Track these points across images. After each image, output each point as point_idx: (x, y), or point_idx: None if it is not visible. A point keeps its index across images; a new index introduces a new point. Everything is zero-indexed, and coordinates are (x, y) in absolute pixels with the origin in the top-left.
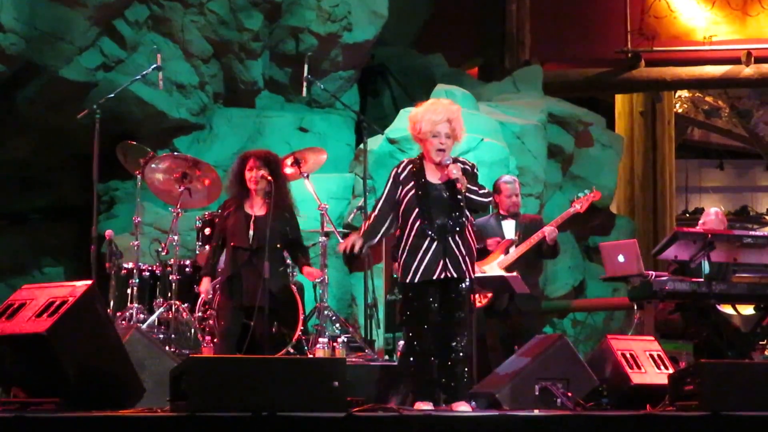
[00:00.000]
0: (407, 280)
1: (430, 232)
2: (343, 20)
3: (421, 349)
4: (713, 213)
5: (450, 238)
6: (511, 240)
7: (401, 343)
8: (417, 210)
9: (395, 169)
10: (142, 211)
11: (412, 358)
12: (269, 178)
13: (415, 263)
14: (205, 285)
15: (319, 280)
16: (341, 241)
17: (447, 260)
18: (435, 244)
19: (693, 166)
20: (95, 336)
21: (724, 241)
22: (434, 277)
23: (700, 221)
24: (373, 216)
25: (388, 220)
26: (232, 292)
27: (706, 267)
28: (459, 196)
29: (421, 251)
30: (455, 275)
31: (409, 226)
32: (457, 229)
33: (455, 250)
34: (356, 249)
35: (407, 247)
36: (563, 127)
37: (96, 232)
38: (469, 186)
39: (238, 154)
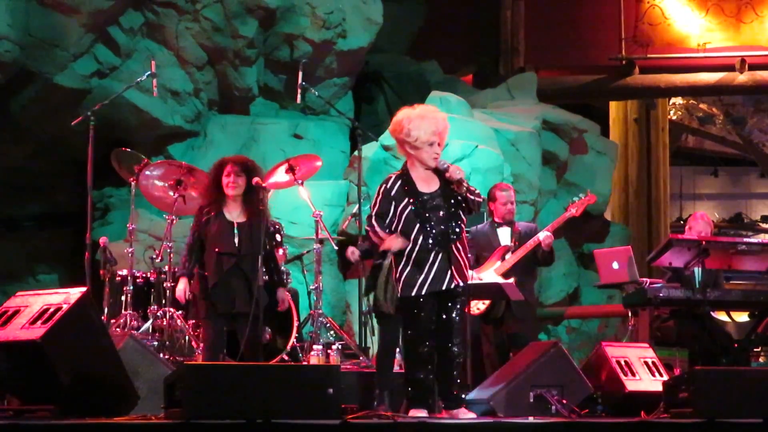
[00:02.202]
0: (412, 294)
1: (435, 243)
2: (337, 27)
3: (422, 357)
4: (699, 216)
5: (452, 246)
6: (507, 246)
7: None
8: (418, 225)
9: (384, 186)
10: (136, 218)
11: (412, 366)
12: (263, 184)
13: (422, 276)
14: (183, 285)
15: (313, 287)
16: (383, 239)
17: (453, 269)
18: (441, 255)
19: (687, 173)
20: (89, 343)
21: (718, 248)
22: (443, 288)
23: (687, 226)
24: (375, 224)
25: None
26: (217, 300)
27: (698, 275)
28: (458, 198)
29: (428, 264)
30: (461, 282)
31: (411, 242)
32: (457, 236)
33: (458, 257)
34: (402, 244)
35: (411, 262)
36: (557, 134)
37: (90, 239)
38: (468, 186)
39: None
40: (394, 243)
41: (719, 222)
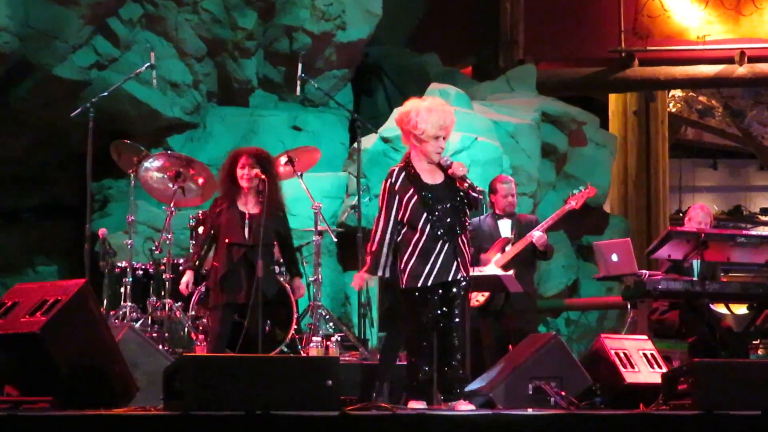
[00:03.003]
0: (418, 285)
1: (442, 234)
2: (337, 19)
3: (423, 349)
4: (698, 207)
5: (458, 238)
6: (507, 239)
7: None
8: (425, 215)
9: (388, 180)
10: (135, 210)
11: (412, 358)
12: (263, 176)
13: (428, 267)
14: (187, 278)
15: (312, 279)
16: (355, 276)
17: (459, 260)
18: (447, 246)
19: (686, 165)
20: (88, 335)
21: (717, 240)
22: (449, 279)
23: (686, 218)
24: (376, 246)
25: (391, 243)
26: (226, 290)
27: (696, 267)
28: (461, 194)
29: (434, 255)
30: (465, 274)
31: (418, 232)
32: (462, 228)
33: (463, 249)
34: (371, 285)
35: (417, 252)
36: (557, 127)
37: (89, 231)
38: (470, 183)
39: None
40: (360, 282)
41: (718, 214)
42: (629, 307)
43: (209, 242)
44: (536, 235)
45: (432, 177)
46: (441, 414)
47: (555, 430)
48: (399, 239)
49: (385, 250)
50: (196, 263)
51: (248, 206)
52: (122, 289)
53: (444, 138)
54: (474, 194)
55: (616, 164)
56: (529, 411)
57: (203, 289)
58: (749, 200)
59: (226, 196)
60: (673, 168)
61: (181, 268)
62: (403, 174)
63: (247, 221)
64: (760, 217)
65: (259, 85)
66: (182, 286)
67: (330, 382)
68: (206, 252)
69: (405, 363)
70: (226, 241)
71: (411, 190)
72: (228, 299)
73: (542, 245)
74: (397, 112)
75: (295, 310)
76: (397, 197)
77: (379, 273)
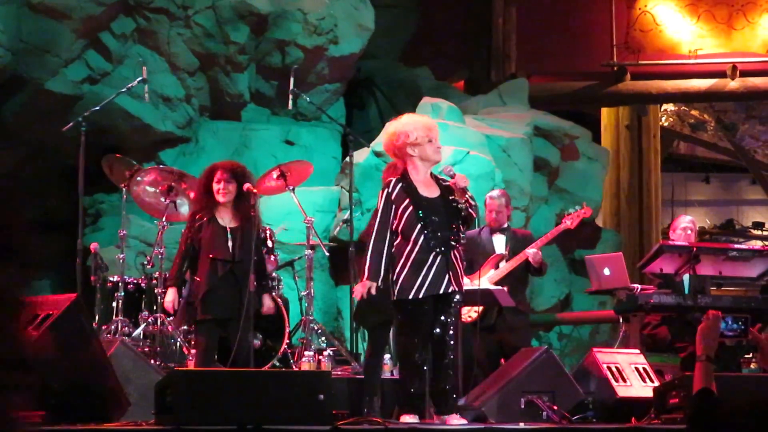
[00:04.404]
0: (410, 296)
1: (434, 246)
2: (329, 33)
3: (416, 362)
4: (682, 219)
5: (451, 252)
6: (501, 255)
7: (387, 356)
8: (420, 225)
9: (386, 190)
10: (127, 224)
11: (405, 372)
12: (254, 189)
13: (420, 278)
14: (172, 297)
15: (304, 294)
16: (355, 287)
17: (450, 274)
18: (439, 258)
19: (679, 179)
20: (80, 349)
21: (709, 254)
22: (440, 292)
23: (671, 230)
24: (374, 253)
25: (388, 251)
26: (211, 306)
27: (687, 282)
28: (459, 206)
29: (426, 266)
30: (456, 289)
31: (411, 242)
32: (457, 242)
33: (455, 263)
34: (373, 292)
35: (410, 263)
36: (549, 141)
37: (81, 245)
38: (468, 198)
39: None
40: (361, 290)
41: (711, 228)
42: (621, 321)
43: (190, 259)
44: (531, 252)
45: (428, 190)
46: (433, 428)
47: None
48: (393, 250)
49: (384, 257)
50: (177, 280)
51: (225, 220)
52: (114, 304)
53: (436, 138)
54: (470, 210)
55: (609, 178)
56: (521, 425)
57: (184, 304)
58: (741, 214)
59: (204, 210)
60: (665, 182)
61: (166, 283)
62: (400, 185)
63: (229, 235)
64: (752, 231)
65: (252, 99)
66: (168, 305)
67: (322, 396)
68: (186, 268)
69: (397, 377)
70: (210, 256)
71: (406, 201)
72: (214, 315)
73: (537, 262)
74: (384, 136)
75: (287, 325)
76: (393, 207)
77: (380, 279)
